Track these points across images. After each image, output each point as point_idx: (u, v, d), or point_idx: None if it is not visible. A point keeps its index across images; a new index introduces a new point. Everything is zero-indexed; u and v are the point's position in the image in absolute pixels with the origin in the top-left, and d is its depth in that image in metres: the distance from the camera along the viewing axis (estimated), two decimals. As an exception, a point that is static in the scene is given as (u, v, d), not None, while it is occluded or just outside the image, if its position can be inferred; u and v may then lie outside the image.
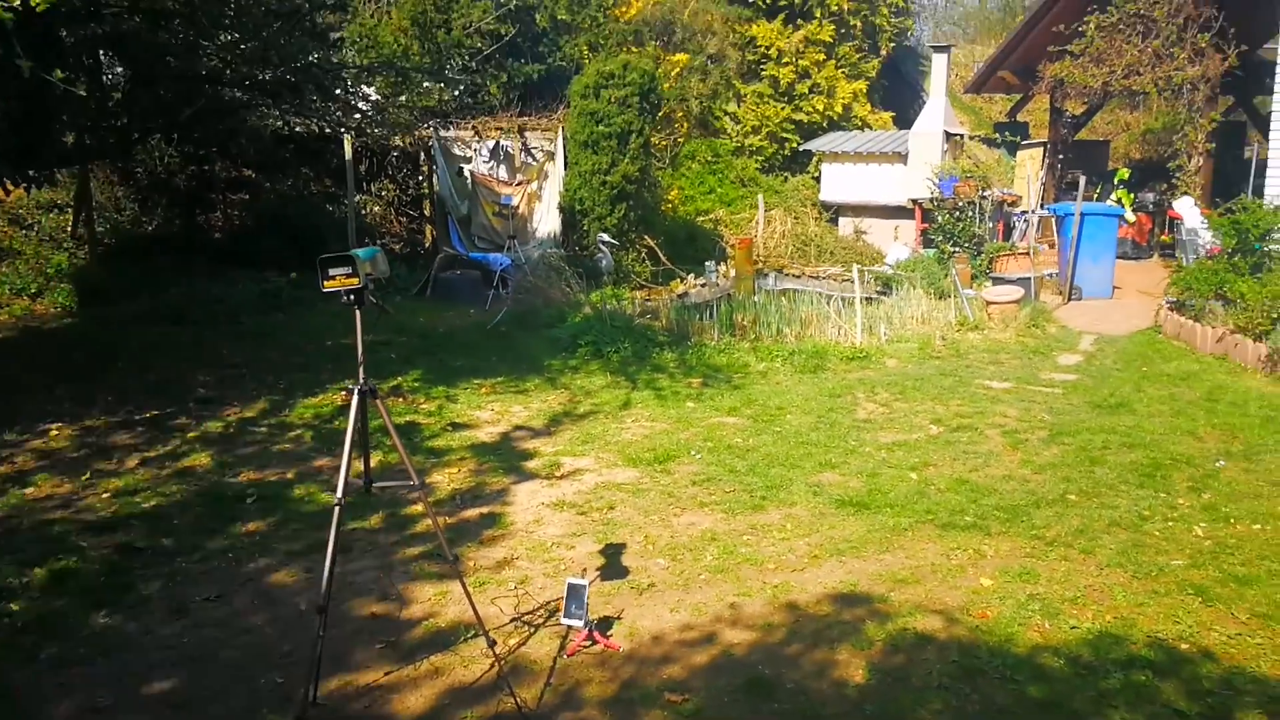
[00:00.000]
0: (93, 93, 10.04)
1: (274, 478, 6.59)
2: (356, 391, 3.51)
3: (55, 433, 7.56)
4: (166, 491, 6.26)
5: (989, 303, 11.73)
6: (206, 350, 10.40)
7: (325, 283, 3.36)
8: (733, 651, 4.13)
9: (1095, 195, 17.79)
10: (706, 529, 5.53)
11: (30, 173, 10.39)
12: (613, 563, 5.09)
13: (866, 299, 13.12)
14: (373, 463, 4.08)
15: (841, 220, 18.81)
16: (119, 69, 10.82)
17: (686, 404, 8.31)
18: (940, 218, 15.69)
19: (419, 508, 5.75)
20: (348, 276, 3.34)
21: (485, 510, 5.93)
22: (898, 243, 17.68)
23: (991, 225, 15.74)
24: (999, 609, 4.51)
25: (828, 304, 11.73)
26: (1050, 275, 14.26)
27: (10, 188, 10.49)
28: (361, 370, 3.57)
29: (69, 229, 14.04)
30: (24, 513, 5.93)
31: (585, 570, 4.94)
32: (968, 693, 3.81)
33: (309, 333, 11.17)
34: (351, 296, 3.39)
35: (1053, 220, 16.06)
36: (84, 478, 6.53)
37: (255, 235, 14.65)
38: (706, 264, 14.41)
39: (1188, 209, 14.25)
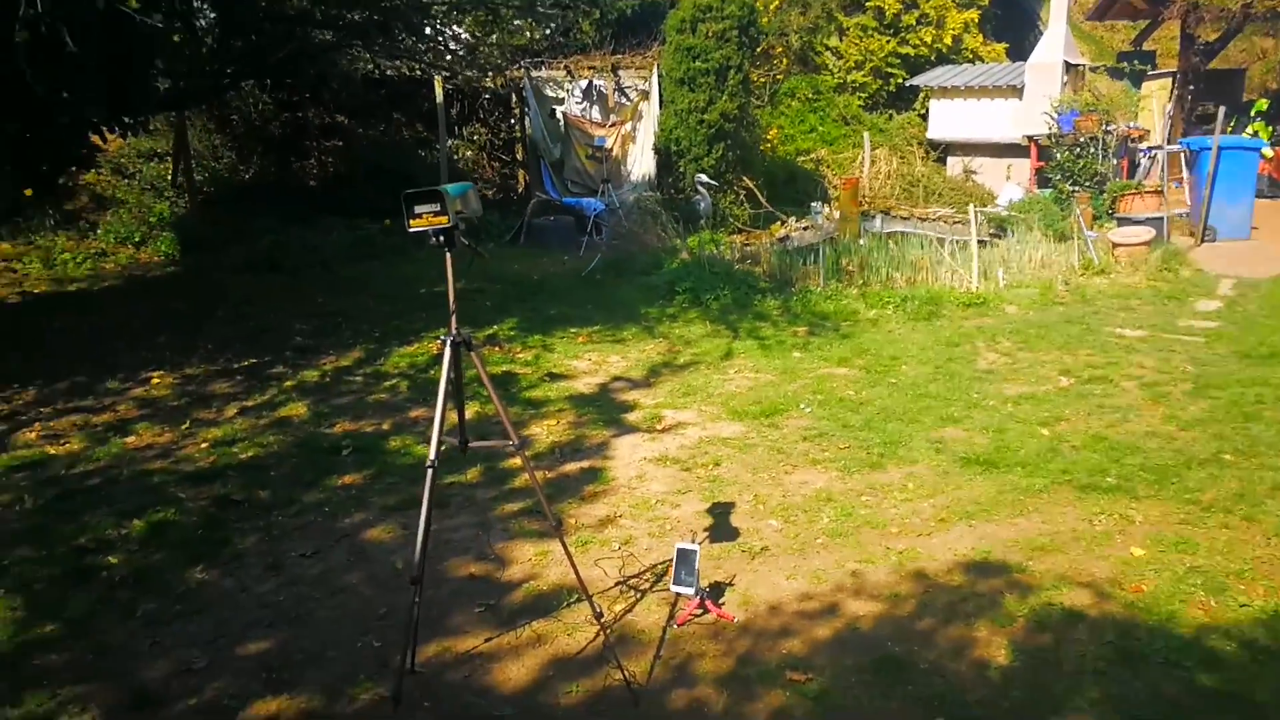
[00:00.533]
0: (185, 37, 9.96)
1: (369, 429, 6.43)
2: (449, 343, 3.21)
3: (157, 381, 7.55)
4: (263, 442, 6.15)
5: (1115, 245, 10.95)
6: (302, 298, 10.37)
7: (411, 221, 3.05)
8: (858, 625, 3.78)
9: (1230, 129, 16.57)
10: (821, 488, 5.16)
11: (125, 119, 10.42)
12: (721, 524, 4.77)
13: (981, 242, 12.44)
14: (468, 415, 3.79)
15: (950, 159, 17.93)
16: (210, 14, 10.70)
17: (793, 354, 7.90)
18: (1059, 155, 14.77)
19: (517, 461, 5.51)
20: (436, 214, 3.02)
21: (585, 465, 5.66)
22: (1010, 182, 16.77)
23: (1115, 162, 14.75)
24: (1155, 583, 4.05)
25: (940, 247, 11.11)
26: (1181, 215, 13.31)
27: (107, 135, 10.55)
28: (454, 320, 3.27)
29: (169, 178, 14.19)
30: (124, 462, 5.88)
31: (694, 534, 4.62)
32: (1129, 679, 3.40)
33: (403, 280, 11.06)
34: (440, 238, 3.07)
35: (1182, 156, 15.01)
36: (183, 427, 6.47)
37: (348, 182, 14.65)
38: (812, 205, 13.83)
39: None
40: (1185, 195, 14.22)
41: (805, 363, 7.62)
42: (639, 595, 4.07)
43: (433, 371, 7.66)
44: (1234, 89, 19.12)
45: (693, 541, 4.15)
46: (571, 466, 5.64)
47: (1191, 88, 17.40)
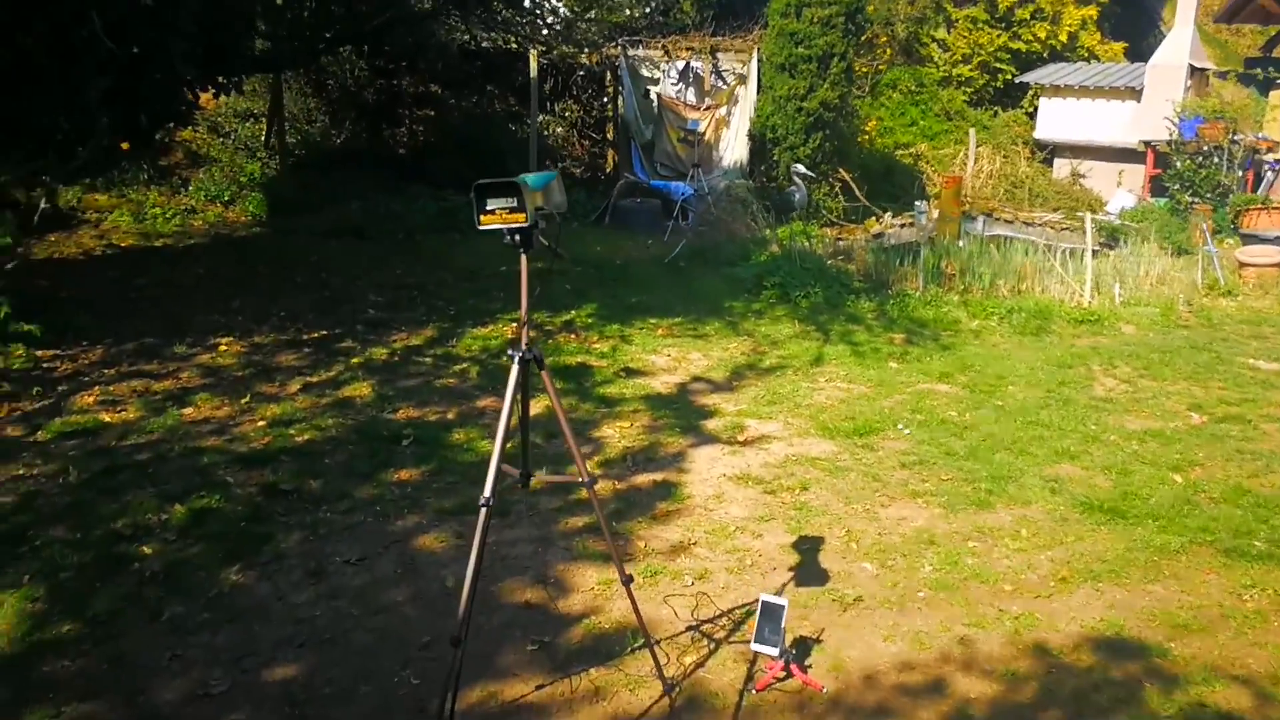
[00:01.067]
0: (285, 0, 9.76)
1: (434, 417, 6.06)
2: (517, 359, 2.75)
3: (224, 348, 7.30)
4: (322, 425, 5.82)
5: (1243, 264, 10.10)
6: (382, 267, 10.12)
7: (482, 217, 2.60)
8: (969, 710, 3.25)
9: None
10: (921, 527, 4.62)
11: (219, 79, 10.23)
12: (809, 563, 4.27)
13: (1093, 251, 11.65)
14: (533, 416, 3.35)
15: (1057, 161, 16.99)
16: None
17: (889, 364, 7.33)
18: (1179, 163, 13.81)
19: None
20: (512, 211, 2.56)
21: (659, 477, 5.20)
22: (1122, 189, 15.81)
23: (1240, 174, 13.76)
24: (1321, 681, 3.45)
25: (1048, 255, 10.37)
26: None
27: (199, 93, 10.39)
28: (525, 331, 2.82)
29: (263, 139, 14.10)
30: (177, 436, 5.59)
31: (782, 587, 4.09)
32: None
33: (483, 256, 10.72)
34: (516, 237, 2.62)
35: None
36: (243, 401, 6.18)
37: (438, 152, 14.41)
38: (916, 203, 13.08)
39: None
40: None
41: (902, 375, 7.05)
42: (713, 646, 3.59)
43: (505, 358, 7.26)
44: (1377, 102, 17.72)
45: (780, 595, 3.66)
46: (644, 479, 5.19)
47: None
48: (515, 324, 8.15)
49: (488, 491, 2.83)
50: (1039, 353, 7.66)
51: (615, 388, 6.66)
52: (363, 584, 4.06)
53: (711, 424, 6.00)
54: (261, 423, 5.84)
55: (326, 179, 13.23)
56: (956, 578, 4.13)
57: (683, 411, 6.21)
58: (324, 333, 7.84)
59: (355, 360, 7.13)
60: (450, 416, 6.09)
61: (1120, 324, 8.56)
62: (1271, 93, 16.32)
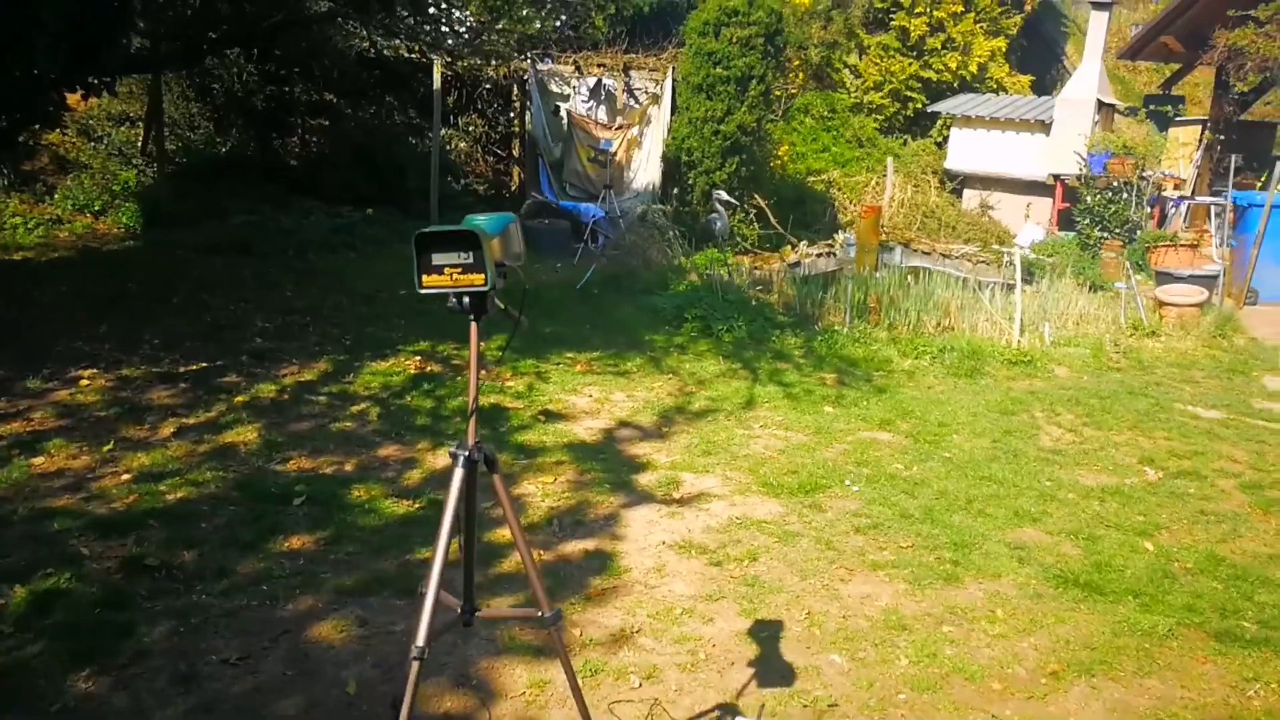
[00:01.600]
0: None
1: (329, 469, 5.35)
2: (461, 460, 2.14)
3: (86, 382, 6.44)
4: (198, 479, 5.05)
5: (1162, 303, 10.05)
6: (270, 289, 9.29)
7: (424, 278, 1.99)
8: None
9: (1260, 185, 15.77)
10: (888, 607, 4.14)
11: (90, 79, 9.25)
12: (770, 655, 3.73)
13: (1007, 286, 11.53)
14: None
15: (966, 192, 17.03)
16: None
17: (824, 408, 6.89)
18: (1089, 198, 13.89)
19: (506, 533, 4.44)
20: (467, 270, 1.96)
21: (591, 545, 4.61)
22: (1030, 222, 15.91)
23: (1149, 210, 13.92)
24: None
25: (966, 289, 10.16)
26: (1206, 274, 12.42)
27: (66, 95, 9.40)
28: (472, 424, 2.20)
29: (139, 144, 13.02)
30: (24, 494, 4.76)
31: (742, 689, 3.51)
32: None
33: (382, 277, 9.99)
34: (465, 300, 2.01)
35: (1210, 210, 14.17)
36: (105, 449, 5.36)
37: (333, 165, 13.57)
38: (843, 234, 12.76)
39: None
40: (1213, 251, 13.39)
41: (840, 421, 6.61)
42: (675, 775, 3.03)
43: (409, 398, 6.59)
44: (1264, 143, 18.30)
45: (742, 708, 3.11)
46: (574, 547, 4.59)
47: (1221, 138, 16.54)
48: (418, 358, 7.47)
49: (421, 639, 2.17)
50: (977, 397, 7.34)
51: (535, 434, 6.04)
52: (244, 690, 3.36)
53: (644, 479, 5.44)
54: (126, 476, 5.05)
55: (210, 190, 12.26)
56: (937, 673, 3.65)
57: (611, 463, 5.63)
58: (203, 364, 7.03)
59: (239, 399, 6.35)
60: (348, 468, 5.39)
61: (1053, 365, 8.33)
62: (1170, 129, 16.66)
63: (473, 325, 2.09)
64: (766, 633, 3.89)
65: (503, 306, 2.15)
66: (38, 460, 5.18)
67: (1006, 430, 6.55)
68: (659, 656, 3.69)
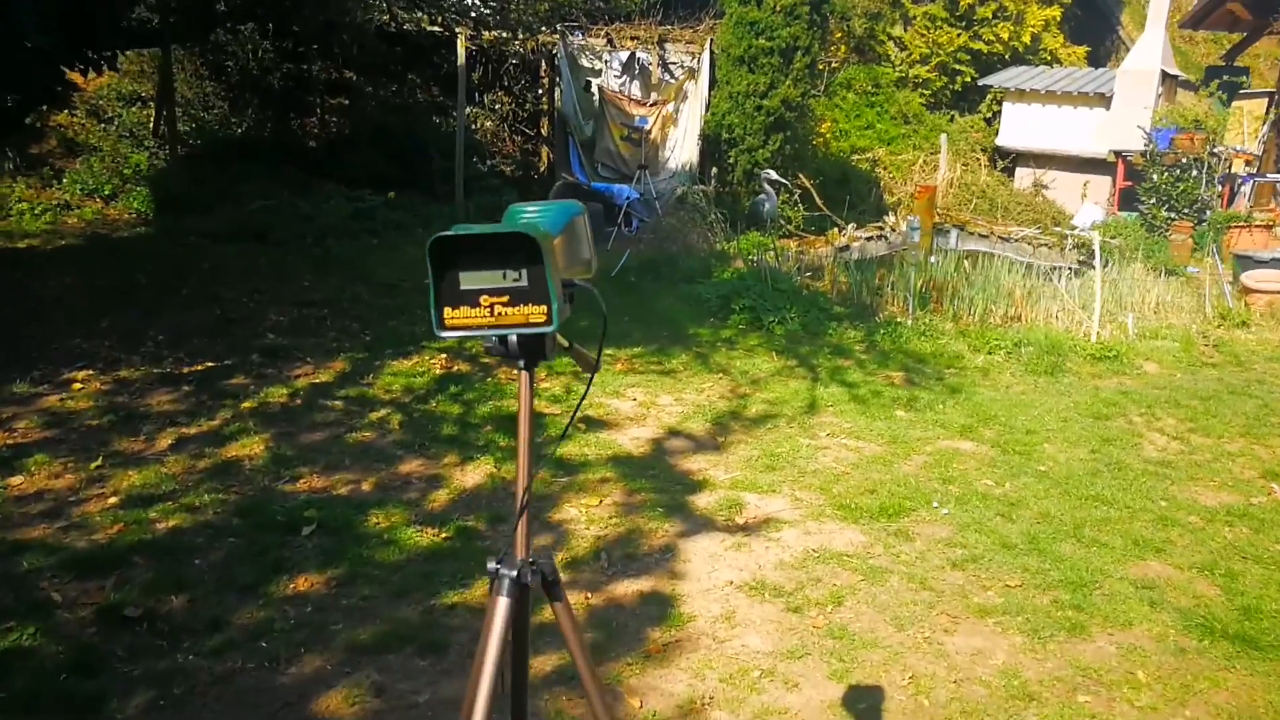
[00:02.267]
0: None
1: (344, 489, 4.71)
2: (507, 583, 1.43)
3: (80, 385, 5.86)
4: (195, 503, 4.43)
5: (1248, 289, 9.25)
6: (286, 279, 8.70)
7: (448, 313, 1.30)
8: None
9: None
10: (1006, 666, 3.45)
11: (89, 53, 8.65)
12: (874, 737, 3.06)
13: (1072, 271, 10.75)
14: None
15: (1019, 171, 16.18)
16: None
17: (895, 412, 6.18)
18: (1156, 176, 13.02)
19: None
20: (518, 299, 1.25)
21: (646, 586, 3.94)
22: (1088, 202, 15.06)
23: (1219, 189, 13.04)
24: None
25: (1040, 276, 9.40)
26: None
27: (68, 73, 8.80)
28: (523, 529, 1.50)
29: (150, 125, 12.43)
30: (-4, 522, 4.17)
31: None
32: None
33: (405, 265, 9.38)
34: (514, 341, 1.31)
35: (1274, 187, 13.30)
36: (93, 465, 4.76)
37: (353, 146, 12.96)
38: (891, 216, 11.98)
39: None
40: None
41: (916, 429, 5.90)
42: None
43: (434, 402, 5.95)
44: (1335, 116, 17.29)
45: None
46: (626, 588, 3.92)
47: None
48: (444, 357, 6.83)
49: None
50: (1063, 398, 6.60)
51: (575, 445, 5.37)
52: (232, 792, 2.73)
53: (702, 500, 4.76)
54: (113, 500, 4.44)
55: (224, 173, 11.70)
56: (1085, 765, 2.96)
57: (663, 481, 4.96)
58: (210, 364, 6.43)
59: (246, 404, 5.73)
60: (365, 488, 4.75)
61: (1140, 361, 7.56)
62: (1233, 103, 15.73)
63: (523, 378, 1.41)
64: (865, 703, 3.21)
65: (566, 344, 1.47)
66: (15, 480, 4.59)
67: (1104, 438, 5.81)
68: (738, 739, 3.03)
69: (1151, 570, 4.23)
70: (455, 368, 6.61)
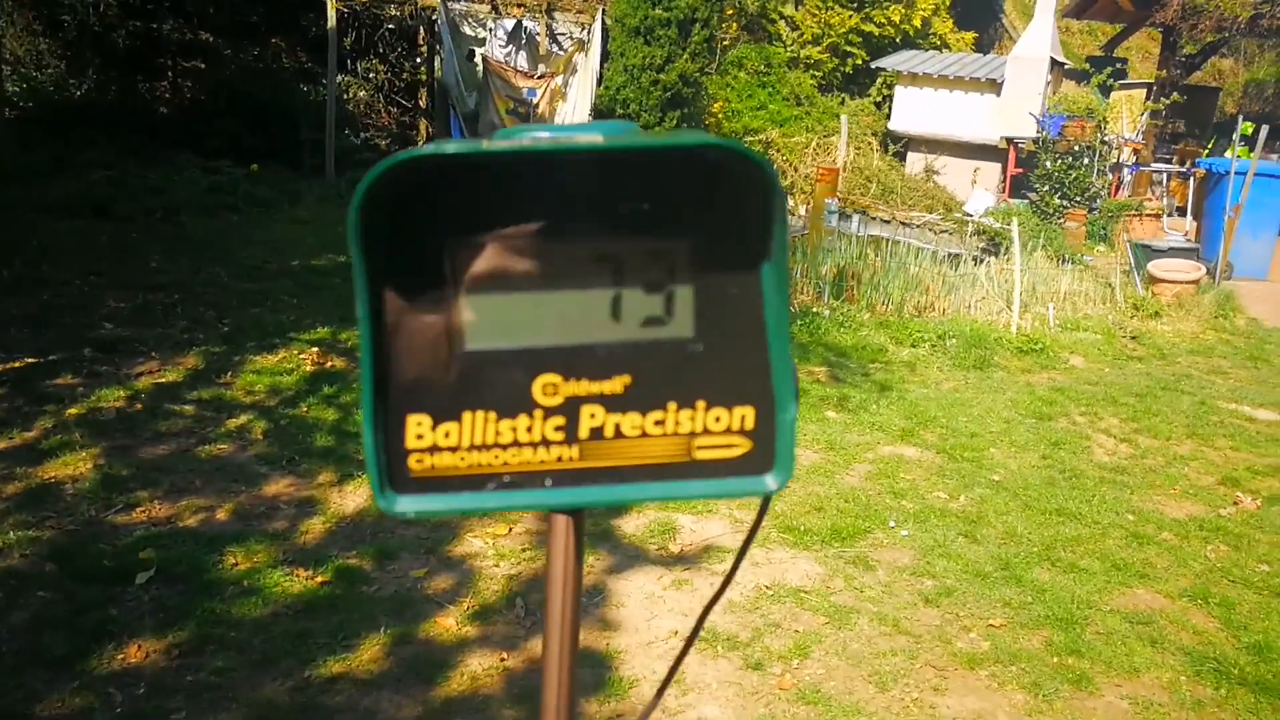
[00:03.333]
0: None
1: (193, 519, 3.85)
2: None
3: None
4: (-4, 544, 3.51)
5: (1155, 279, 9.09)
6: (130, 259, 7.63)
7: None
8: None
9: (1206, 152, 15.14)
10: (1014, 737, 2.90)
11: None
12: None
13: (975, 260, 10.49)
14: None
15: (910, 155, 15.97)
16: None
17: (826, 413, 5.62)
18: (1048, 163, 12.94)
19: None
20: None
21: (573, 640, 3.24)
22: (979, 188, 14.94)
23: (1109, 177, 13.06)
24: None
25: (937, 262, 9.05)
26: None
27: None
28: None
29: (-28, 85, 11.03)
30: None
31: None
32: None
33: (270, 245, 8.41)
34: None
35: (1149, 177, 13.47)
36: None
37: (210, 114, 11.78)
38: (828, 201, 11.46)
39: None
40: (1165, 222, 12.66)
41: (853, 432, 5.34)
42: None
43: (305, 405, 5.08)
44: (1207, 108, 17.78)
45: None
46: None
47: (1167, 102, 15.85)
48: (316, 350, 5.94)
49: None
50: (998, 395, 6.16)
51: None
52: None
53: (629, 525, 4.07)
54: (-115, 541, 3.48)
55: (60, 140, 10.45)
56: None
57: (580, 501, 4.25)
58: (33, 360, 5.39)
59: (72, 410, 4.76)
60: (220, 517, 3.90)
61: (1066, 354, 7.23)
62: (1112, 94, 15.90)
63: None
64: (858, 797, 2.60)
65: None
66: None
67: (1051, 441, 5.38)
68: None
69: (1140, 600, 3.75)
70: (329, 364, 5.75)
